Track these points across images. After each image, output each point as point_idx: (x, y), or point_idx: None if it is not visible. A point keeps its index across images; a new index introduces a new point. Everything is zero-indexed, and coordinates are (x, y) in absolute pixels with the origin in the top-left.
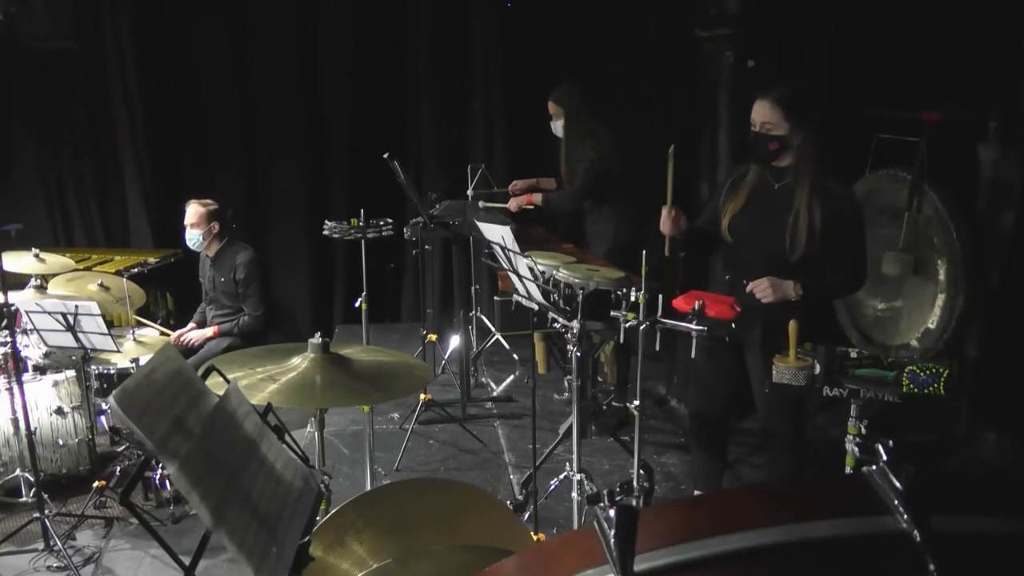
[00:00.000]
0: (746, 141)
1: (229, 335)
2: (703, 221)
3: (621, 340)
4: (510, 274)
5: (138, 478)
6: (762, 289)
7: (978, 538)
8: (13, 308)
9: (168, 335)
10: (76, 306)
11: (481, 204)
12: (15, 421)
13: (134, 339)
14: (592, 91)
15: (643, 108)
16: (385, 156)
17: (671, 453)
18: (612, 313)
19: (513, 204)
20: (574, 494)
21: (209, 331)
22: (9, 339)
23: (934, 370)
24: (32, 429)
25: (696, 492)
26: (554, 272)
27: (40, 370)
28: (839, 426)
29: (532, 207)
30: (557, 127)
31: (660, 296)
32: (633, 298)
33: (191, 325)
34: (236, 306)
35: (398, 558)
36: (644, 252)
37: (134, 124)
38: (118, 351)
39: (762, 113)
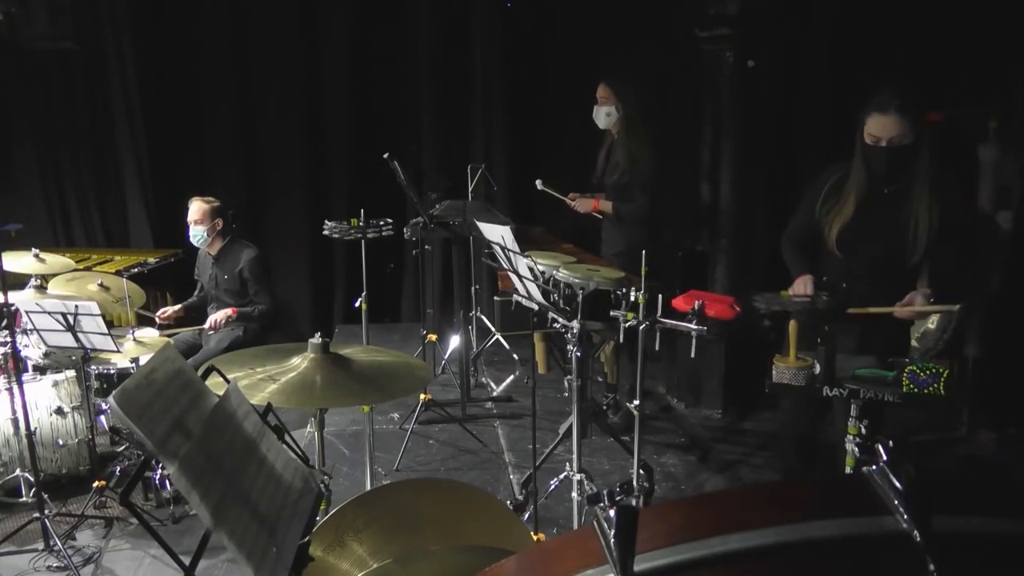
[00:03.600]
0: (873, 159)
1: (247, 320)
2: (800, 231)
3: (621, 340)
4: (510, 274)
5: (138, 478)
6: (910, 311)
7: (978, 538)
8: (13, 308)
9: (201, 328)
10: (76, 306)
11: (540, 186)
12: (15, 421)
13: (134, 339)
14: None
15: (642, 107)
16: (385, 156)
17: (671, 453)
18: (612, 313)
19: (580, 206)
20: (574, 494)
21: (228, 311)
22: (9, 339)
23: (934, 370)
24: (32, 429)
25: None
26: (554, 272)
27: (40, 370)
28: (839, 426)
29: (600, 215)
30: (600, 113)
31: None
32: (633, 298)
33: (178, 307)
34: (239, 303)
35: (398, 558)
36: (644, 252)
37: (134, 124)
38: (118, 351)
39: (890, 128)
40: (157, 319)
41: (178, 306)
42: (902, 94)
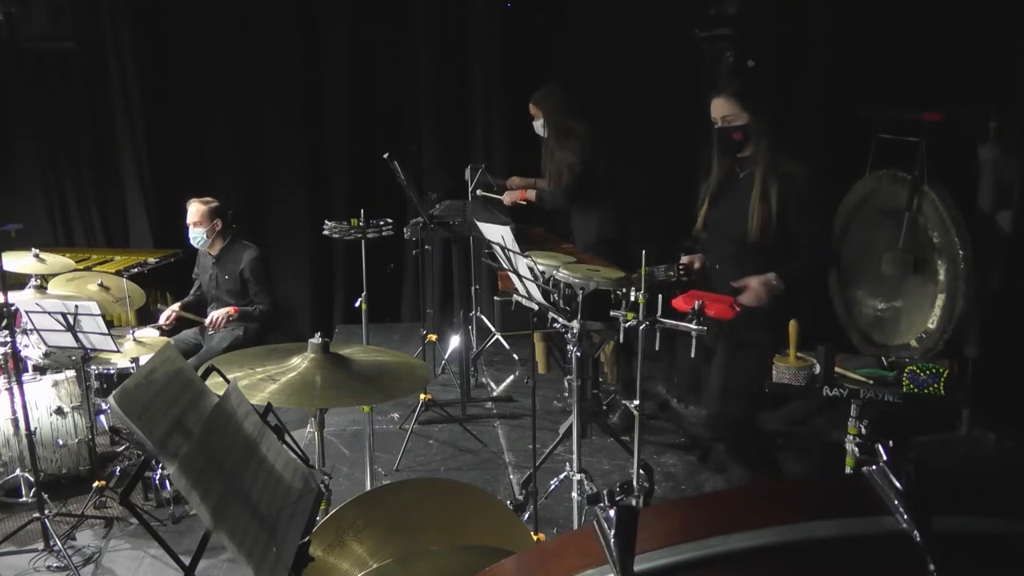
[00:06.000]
0: (716, 139)
1: (247, 319)
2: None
3: (621, 340)
4: (510, 274)
5: (138, 478)
6: (753, 296)
7: (978, 538)
8: (13, 308)
9: (201, 321)
10: (76, 306)
11: (479, 192)
12: (15, 421)
13: (134, 339)
14: (573, 92)
15: (643, 108)
16: (385, 156)
17: (671, 453)
18: (612, 313)
19: (507, 198)
20: (574, 494)
21: (229, 309)
22: (9, 339)
23: (934, 370)
24: (32, 429)
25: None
26: (554, 272)
27: (40, 370)
28: (839, 427)
29: (526, 203)
30: (538, 127)
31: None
32: (633, 298)
33: (175, 308)
34: (240, 304)
35: (398, 558)
36: (644, 252)
37: (134, 124)
38: (118, 351)
39: (720, 108)
40: (163, 326)
41: (175, 306)
42: (740, 82)
